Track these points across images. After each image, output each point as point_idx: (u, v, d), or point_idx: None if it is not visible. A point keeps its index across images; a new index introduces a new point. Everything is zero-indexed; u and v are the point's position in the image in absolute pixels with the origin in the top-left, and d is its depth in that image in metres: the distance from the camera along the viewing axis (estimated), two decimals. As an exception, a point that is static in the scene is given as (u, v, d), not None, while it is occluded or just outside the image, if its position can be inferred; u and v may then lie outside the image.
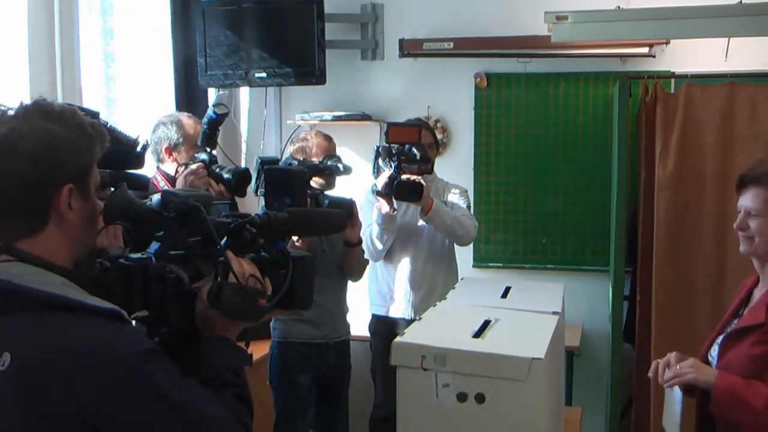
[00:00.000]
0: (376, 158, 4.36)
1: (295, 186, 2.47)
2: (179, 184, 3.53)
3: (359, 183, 4.64)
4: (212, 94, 5.34)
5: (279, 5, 5.27)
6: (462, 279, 3.40)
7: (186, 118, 3.89)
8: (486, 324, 2.50)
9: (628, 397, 5.30)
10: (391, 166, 4.23)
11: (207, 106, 5.10)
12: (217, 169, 3.56)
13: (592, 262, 5.56)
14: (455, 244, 4.70)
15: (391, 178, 4.20)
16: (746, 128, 4.86)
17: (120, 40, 4.47)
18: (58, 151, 1.70)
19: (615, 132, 5.14)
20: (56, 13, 3.69)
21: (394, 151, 4.22)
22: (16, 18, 3.56)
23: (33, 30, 3.61)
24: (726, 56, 5.23)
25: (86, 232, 1.78)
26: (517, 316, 2.64)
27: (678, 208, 4.91)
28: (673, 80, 5.27)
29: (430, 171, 4.42)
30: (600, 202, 5.43)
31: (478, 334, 2.41)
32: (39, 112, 1.72)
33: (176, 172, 3.61)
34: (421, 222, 4.52)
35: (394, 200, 4.32)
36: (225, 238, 1.88)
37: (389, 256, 4.60)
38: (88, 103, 3.89)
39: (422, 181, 4.26)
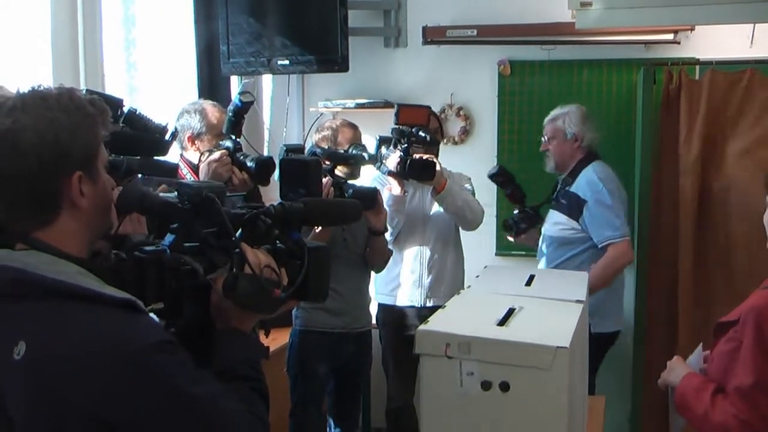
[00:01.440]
0: (379, 147, 4.34)
1: (311, 176, 2.46)
2: (202, 170, 3.52)
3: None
4: (235, 82, 5.34)
5: (301, -8, 5.26)
6: (486, 267, 3.38)
7: (210, 107, 3.87)
8: (510, 312, 2.49)
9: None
10: (399, 149, 4.21)
11: (229, 94, 5.13)
12: (241, 157, 3.55)
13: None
14: (461, 229, 4.69)
15: (403, 158, 4.19)
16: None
17: (142, 27, 4.47)
18: (62, 139, 1.67)
19: (639, 119, 5.12)
20: (79, 0, 3.70)
21: (405, 132, 4.20)
22: (40, 5, 3.57)
23: (56, 18, 3.62)
24: (751, 42, 5.19)
25: (100, 214, 1.77)
26: (541, 305, 2.63)
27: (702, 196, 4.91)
28: (697, 67, 5.23)
29: (436, 155, 4.41)
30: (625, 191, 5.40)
31: (502, 322, 2.39)
32: (37, 99, 1.68)
33: (200, 159, 3.61)
34: (430, 210, 4.57)
35: (404, 182, 4.31)
36: (240, 230, 1.87)
37: (396, 243, 4.58)
38: (111, 90, 3.89)
39: (435, 160, 4.25)
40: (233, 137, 3.57)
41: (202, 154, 3.60)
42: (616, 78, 5.56)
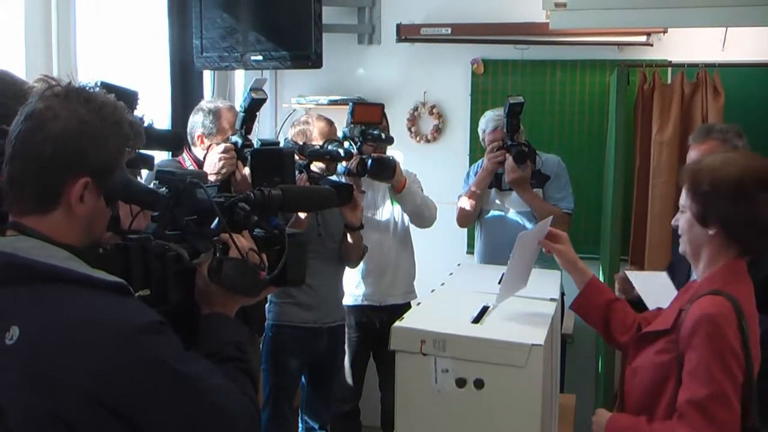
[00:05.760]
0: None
1: (285, 165, 2.49)
2: (208, 160, 3.58)
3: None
4: (208, 77, 5.32)
5: (276, -12, 5.24)
6: (459, 265, 3.39)
7: (226, 111, 3.88)
8: (485, 310, 2.50)
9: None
10: (354, 148, 4.19)
11: (202, 88, 5.11)
12: (248, 154, 3.56)
13: (586, 250, 5.52)
14: (416, 227, 4.68)
15: (362, 158, 4.18)
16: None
17: (115, 19, 4.44)
18: (85, 141, 1.70)
19: (612, 120, 5.14)
20: (53, -7, 3.68)
21: (359, 131, 4.19)
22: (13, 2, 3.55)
23: (29, 12, 3.59)
24: (723, 46, 5.24)
25: (96, 224, 1.79)
26: (515, 303, 2.64)
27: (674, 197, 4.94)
28: (670, 69, 5.27)
29: (384, 153, 4.44)
30: (595, 190, 5.43)
31: (477, 320, 2.40)
32: (81, 97, 1.72)
33: (207, 150, 3.66)
34: (384, 209, 4.58)
35: (362, 180, 4.31)
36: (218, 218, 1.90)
37: None
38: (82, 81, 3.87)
39: (395, 159, 4.27)
40: (243, 133, 3.59)
41: (210, 145, 3.63)
42: (589, 78, 5.59)
